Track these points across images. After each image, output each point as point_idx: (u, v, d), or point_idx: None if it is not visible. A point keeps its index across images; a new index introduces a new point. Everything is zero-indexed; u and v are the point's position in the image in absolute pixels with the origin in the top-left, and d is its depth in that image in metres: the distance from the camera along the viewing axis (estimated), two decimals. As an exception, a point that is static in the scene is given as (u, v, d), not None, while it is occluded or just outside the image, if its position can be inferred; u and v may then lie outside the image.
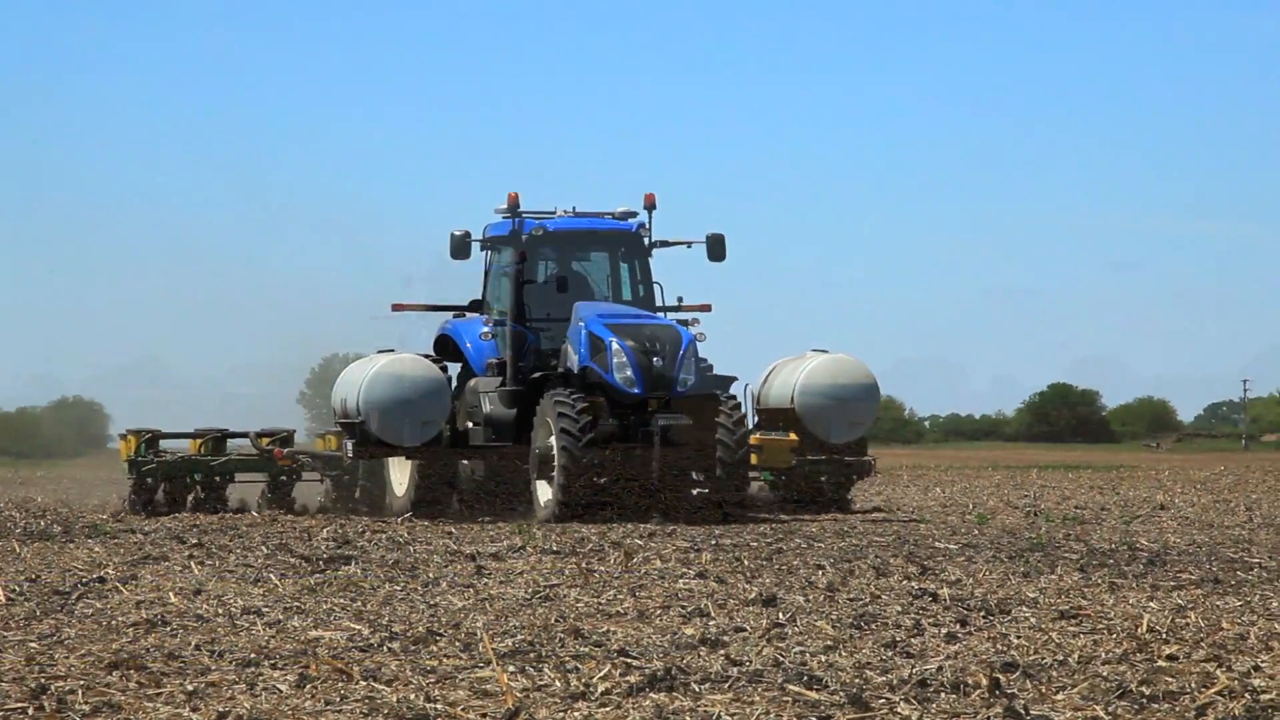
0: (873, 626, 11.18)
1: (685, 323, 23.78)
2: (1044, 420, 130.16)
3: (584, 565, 15.41)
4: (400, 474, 24.90)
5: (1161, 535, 19.77)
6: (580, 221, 24.77)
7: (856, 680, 9.25)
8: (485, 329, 24.45)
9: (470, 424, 24.37)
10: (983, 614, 11.76)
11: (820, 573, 14.60)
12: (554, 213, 24.82)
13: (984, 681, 9.00)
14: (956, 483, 41.01)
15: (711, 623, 11.42)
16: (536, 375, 23.63)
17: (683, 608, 12.20)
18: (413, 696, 8.87)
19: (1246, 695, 8.74)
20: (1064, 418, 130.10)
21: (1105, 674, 9.29)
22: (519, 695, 8.88)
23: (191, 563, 16.11)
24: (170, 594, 13.34)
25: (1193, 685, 8.97)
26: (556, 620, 11.61)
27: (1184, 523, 23.00)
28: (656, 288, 24.75)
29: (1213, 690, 8.81)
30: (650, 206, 24.68)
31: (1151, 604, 12.14)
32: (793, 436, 24.49)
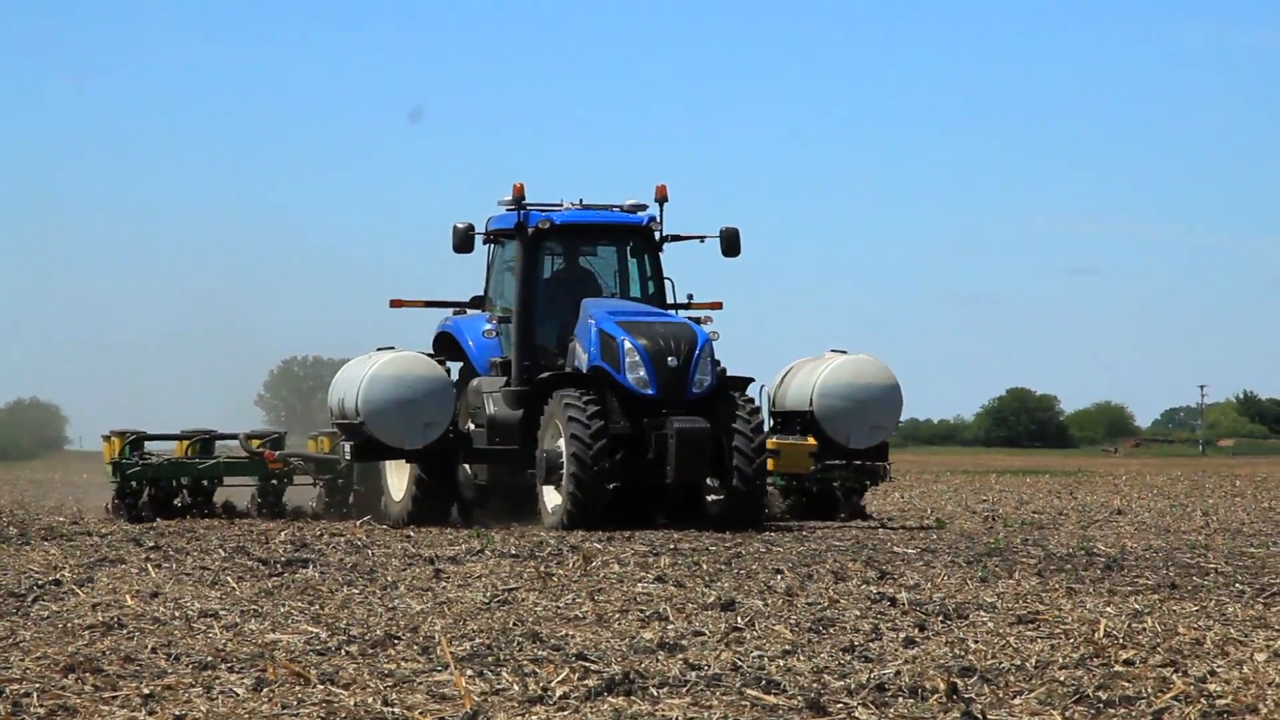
0: (831, 631, 11.20)
1: (698, 321, 22.81)
2: (1002, 425, 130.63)
3: (542, 569, 15.39)
4: (398, 478, 23.66)
5: (1119, 540, 19.84)
6: (589, 214, 23.66)
7: (814, 684, 9.25)
8: (488, 326, 23.31)
9: (472, 426, 23.20)
10: (941, 618, 11.78)
11: (779, 577, 14.61)
12: (560, 205, 23.73)
13: (942, 686, 9.02)
14: (915, 487, 41.09)
15: (670, 627, 11.42)
16: (545, 376, 22.42)
17: (641, 611, 12.19)
18: (370, 700, 8.84)
19: (1202, 700, 8.78)
20: (1022, 422, 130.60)
21: (1062, 678, 9.31)
22: (477, 699, 8.86)
23: (149, 565, 16.04)
24: (127, 596, 13.28)
25: (1149, 690, 9.01)
26: (515, 624, 11.59)
27: (1141, 528, 23.09)
28: (667, 284, 23.71)
29: (1169, 695, 8.84)
30: (662, 199, 23.63)
31: (1108, 609, 12.19)
32: (811, 440, 23.50)
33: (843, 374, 23.82)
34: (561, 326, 23.11)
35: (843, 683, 9.27)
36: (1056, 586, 13.76)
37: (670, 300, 23.49)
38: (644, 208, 23.62)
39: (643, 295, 23.47)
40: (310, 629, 11.37)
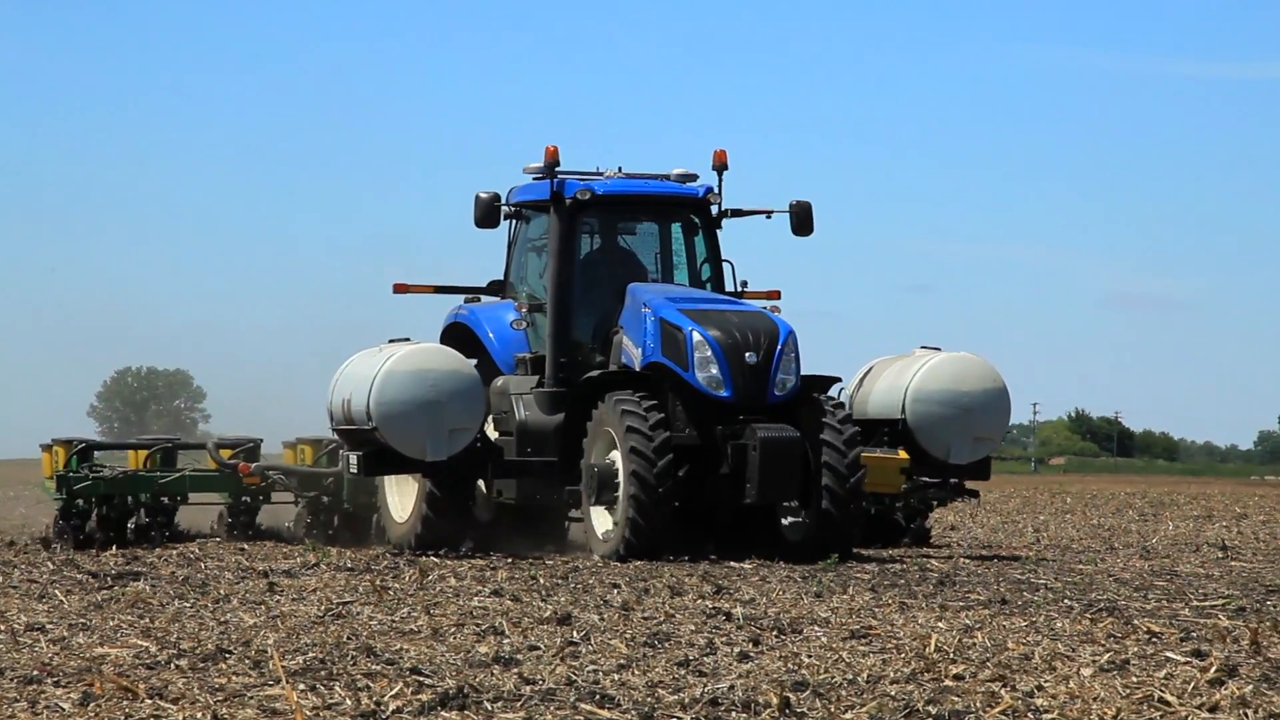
0: (666, 645, 11.23)
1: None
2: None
3: (378, 582, 15.30)
4: (402, 496, 19.96)
5: (952, 556, 20.07)
6: (636, 184, 20.19)
7: (648, 699, 9.27)
8: (516, 316, 19.80)
9: (495, 433, 19.62)
10: (775, 633, 11.85)
11: (615, 591, 14.63)
12: (599, 173, 20.26)
13: (775, 700, 9.07)
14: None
15: (505, 641, 11.39)
16: (594, 374, 18.85)
17: (477, 626, 12.16)
18: (200, 715, 8.74)
19: (1030, 714, 8.90)
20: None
21: (893, 693, 9.40)
22: (308, 713, 8.78)
23: (-26, 578, 15.74)
24: (-49, 610, 13.02)
25: (978, 704, 9.12)
26: (349, 638, 11.51)
27: (973, 544, 23.37)
28: (726, 268, 20.22)
29: (997, 709, 8.96)
30: (720, 167, 20.13)
31: (940, 624, 12.32)
32: (902, 454, 19.94)
33: (941, 376, 20.33)
34: (600, 316, 19.74)
35: (676, 697, 9.29)
36: (889, 602, 13.89)
37: (731, 288, 20.15)
38: (694, 178, 20.40)
39: (694, 280, 20.13)
40: (140, 643, 11.21)
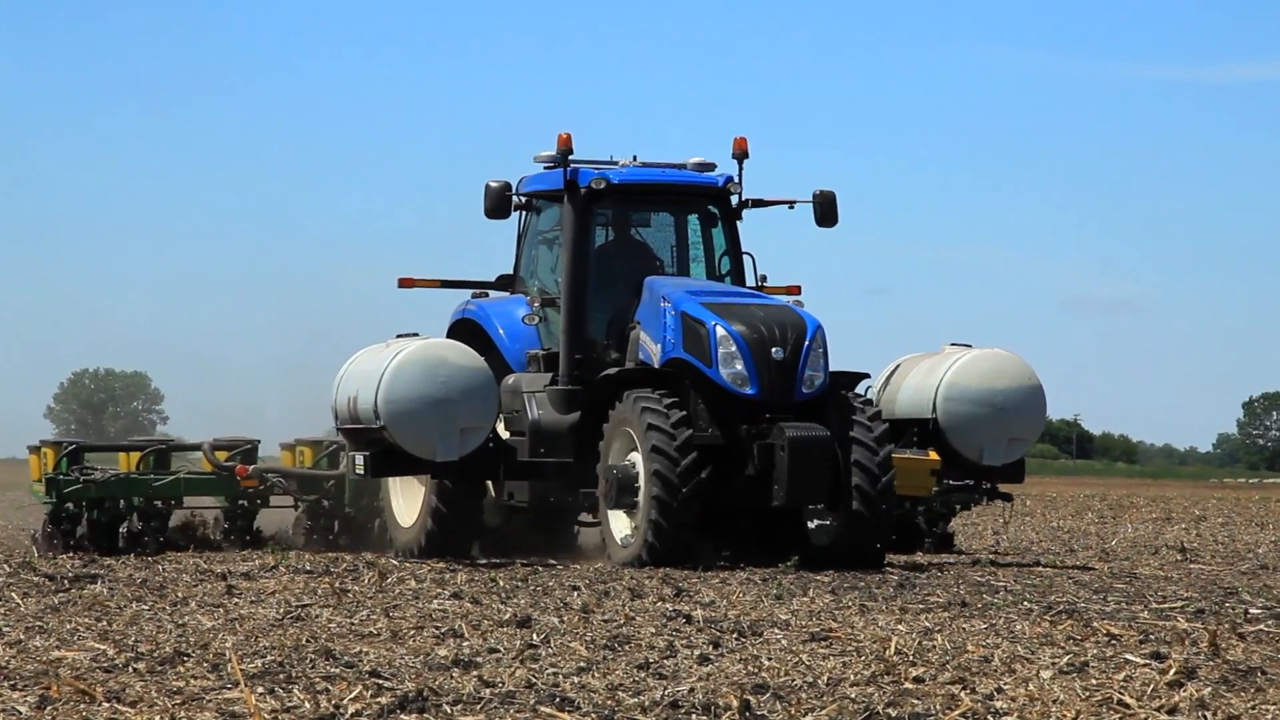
0: (626, 648, 11.21)
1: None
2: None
3: (337, 585, 15.25)
4: (407, 499, 19.21)
5: (911, 559, 20.09)
6: (654, 173, 19.40)
7: (608, 702, 9.26)
8: (528, 311, 19.13)
9: (508, 433, 18.92)
10: (735, 636, 11.85)
11: (575, 594, 14.61)
12: (613, 162, 19.50)
13: (734, 703, 9.07)
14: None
15: (465, 644, 11.37)
16: (612, 371, 18.09)
17: (436, 628, 12.12)
18: (158, 718, 8.70)
19: (989, 717, 8.92)
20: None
21: (853, 695, 9.41)
22: (267, 717, 8.75)
23: (-70, 580, 15.64)
24: (-94, 612, 12.93)
25: (937, 707, 9.13)
26: (307, 640, 11.47)
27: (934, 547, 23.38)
28: (746, 261, 19.46)
29: (956, 712, 8.97)
30: (741, 155, 19.33)
31: (900, 626, 12.33)
32: (933, 455, 19.05)
33: (974, 373, 19.45)
34: (614, 311, 19.03)
35: (636, 700, 9.28)
36: (850, 605, 13.90)
37: (751, 282, 19.37)
38: (712, 167, 19.60)
39: (711, 274, 19.43)
40: (97, 645, 11.15)
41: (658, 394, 17.50)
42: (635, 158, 19.51)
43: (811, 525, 17.84)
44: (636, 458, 17.48)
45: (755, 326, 17.73)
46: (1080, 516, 35.36)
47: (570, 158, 18.94)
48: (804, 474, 17.21)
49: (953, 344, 19.93)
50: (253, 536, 20.75)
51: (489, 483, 19.08)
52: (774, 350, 17.62)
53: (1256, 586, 16.12)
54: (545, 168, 19.26)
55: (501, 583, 15.72)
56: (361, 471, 18.36)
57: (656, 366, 18.08)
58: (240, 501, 20.82)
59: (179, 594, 14.58)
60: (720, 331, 17.69)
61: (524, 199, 19.51)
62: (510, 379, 19.06)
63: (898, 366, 20.18)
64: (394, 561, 18.28)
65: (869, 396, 19.12)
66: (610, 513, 17.78)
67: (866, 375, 18.78)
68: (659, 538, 17.22)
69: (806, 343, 17.75)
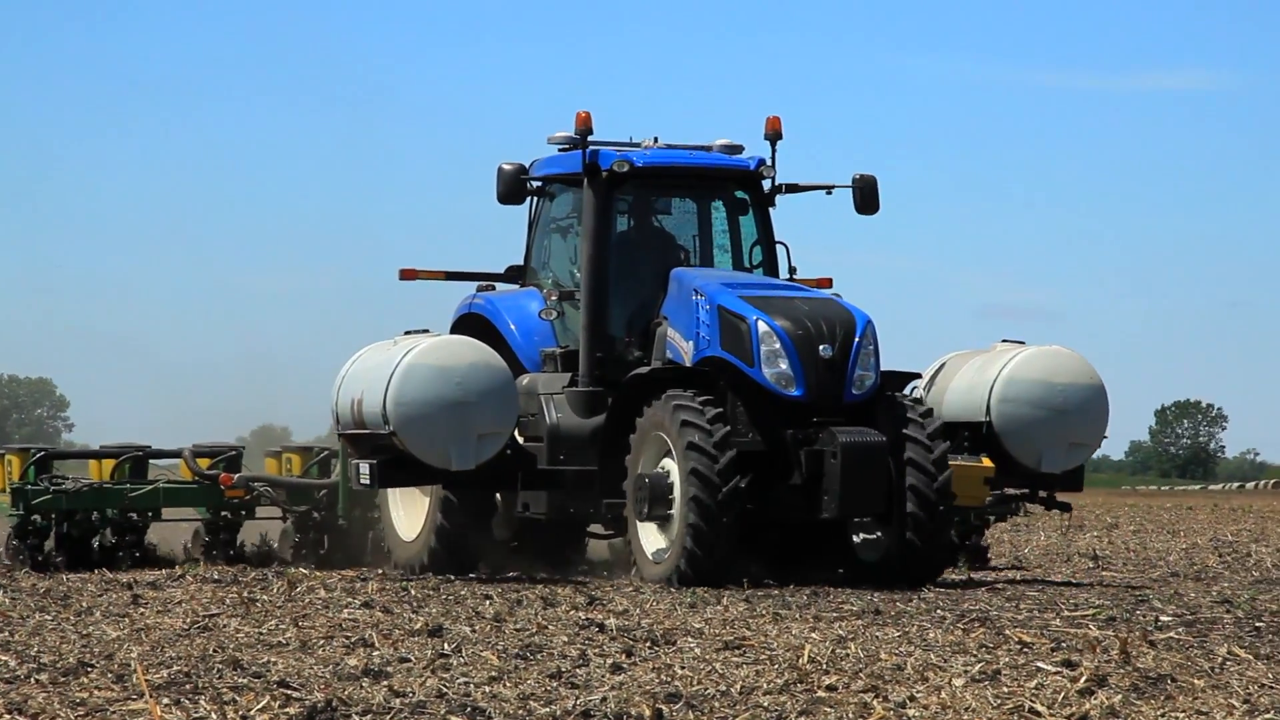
0: (539, 657, 11.14)
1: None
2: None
3: (245, 594, 15.10)
4: (408, 511, 17.67)
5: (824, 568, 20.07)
6: (681, 155, 17.86)
7: (520, 711, 9.19)
8: (544, 306, 17.60)
9: (523, 439, 17.25)
10: (649, 644, 11.80)
11: (488, 603, 14.52)
12: (634, 144, 17.96)
13: (647, 712, 9.03)
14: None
15: (375, 653, 11.26)
16: (641, 371, 16.59)
17: (346, 638, 12.01)
18: (59, 730, 8.56)
19: (902, 725, 8.90)
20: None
21: (766, 704, 9.37)
22: (172, 728, 8.62)
23: None
24: None
25: (850, 715, 9.11)
26: (215, 651, 11.33)
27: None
28: (779, 250, 17.96)
29: (870, 720, 8.95)
30: (774, 136, 17.81)
31: (813, 634, 12.31)
32: (986, 461, 17.44)
33: (1031, 372, 17.83)
34: (636, 306, 17.56)
35: (548, 709, 9.21)
36: (763, 613, 13.87)
37: (784, 275, 17.93)
38: (740, 149, 18.09)
39: (738, 265, 17.94)
40: (-1, 656, 10.98)
41: (691, 393, 16.03)
42: (656, 139, 18.06)
43: (858, 539, 16.66)
44: (670, 464, 16.07)
45: (800, 322, 16.31)
46: (993, 525, 35.45)
47: (590, 138, 17.36)
48: (858, 483, 15.84)
49: (1004, 340, 18.42)
50: (236, 551, 19.20)
51: (498, 494, 17.59)
52: (821, 348, 16.21)
53: (1167, 594, 16.20)
54: (560, 149, 17.74)
55: (413, 592, 15.61)
56: (367, 481, 16.72)
57: (689, 365, 16.63)
58: (223, 513, 19.09)
59: (83, 604, 14.40)
60: (763, 327, 16.27)
61: (541, 183, 18.04)
62: (524, 379, 17.41)
63: (943, 365, 18.60)
64: (304, 570, 18.07)
65: (919, 394, 17.88)
66: (640, 525, 16.33)
67: (918, 375, 17.71)
68: (699, 543, 15.74)
69: (856, 340, 16.35)
